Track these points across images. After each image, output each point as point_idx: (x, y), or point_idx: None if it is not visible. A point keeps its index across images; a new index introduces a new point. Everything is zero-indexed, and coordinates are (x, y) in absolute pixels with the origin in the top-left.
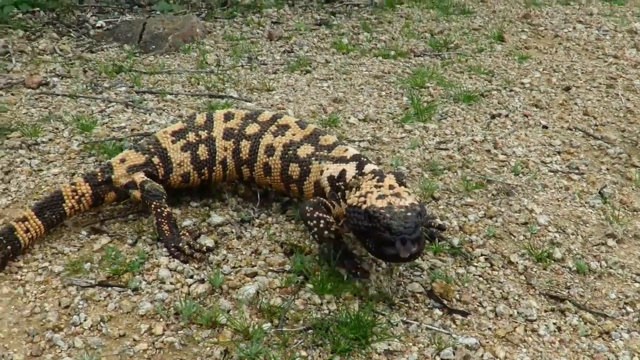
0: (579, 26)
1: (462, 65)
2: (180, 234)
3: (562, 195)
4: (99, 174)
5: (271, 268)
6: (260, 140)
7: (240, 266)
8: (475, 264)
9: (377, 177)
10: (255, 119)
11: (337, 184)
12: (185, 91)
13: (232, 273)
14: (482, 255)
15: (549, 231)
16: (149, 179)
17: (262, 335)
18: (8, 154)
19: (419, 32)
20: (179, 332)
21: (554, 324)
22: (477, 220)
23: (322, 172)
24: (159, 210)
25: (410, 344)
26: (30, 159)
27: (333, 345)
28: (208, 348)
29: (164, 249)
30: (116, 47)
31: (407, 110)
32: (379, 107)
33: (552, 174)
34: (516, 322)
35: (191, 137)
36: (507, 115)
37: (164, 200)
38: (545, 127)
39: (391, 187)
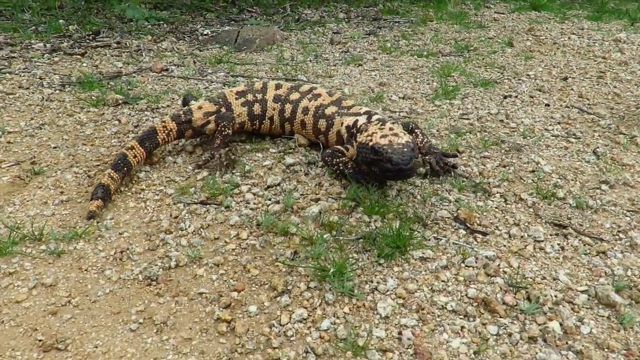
0: (573, 37)
1: (480, 62)
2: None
3: (562, 153)
4: (182, 115)
5: (331, 196)
6: (300, 103)
7: (307, 194)
8: (492, 199)
9: (380, 122)
10: (297, 89)
11: (352, 130)
12: (267, 76)
13: (300, 198)
14: (497, 193)
15: (552, 177)
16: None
17: (323, 241)
18: (137, 114)
19: (446, 40)
20: (259, 237)
21: (558, 244)
22: (493, 168)
23: (342, 124)
24: (222, 128)
25: (440, 254)
26: (153, 118)
27: (379, 251)
28: (281, 250)
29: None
30: (217, 48)
31: (436, 91)
32: (414, 89)
33: (553, 137)
34: (526, 242)
35: (249, 97)
36: (516, 96)
37: (230, 124)
38: (547, 105)
39: (391, 129)
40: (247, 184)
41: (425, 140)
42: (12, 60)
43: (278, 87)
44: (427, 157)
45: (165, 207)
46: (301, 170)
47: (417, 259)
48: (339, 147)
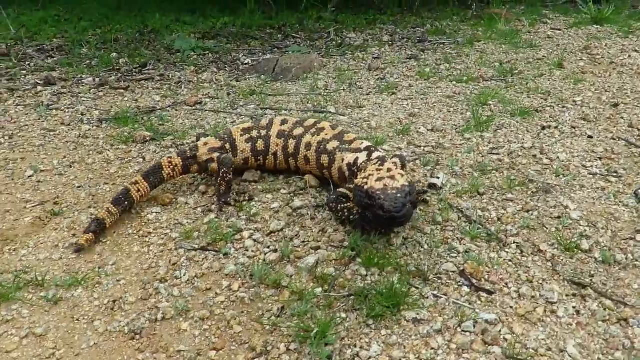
0: (634, 54)
1: (523, 87)
2: (233, 195)
3: (597, 195)
4: (188, 151)
5: (332, 244)
6: (302, 139)
7: (308, 241)
8: (507, 250)
9: (379, 162)
10: (302, 124)
11: (352, 169)
12: (296, 108)
13: (300, 246)
14: (514, 242)
15: (580, 225)
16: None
17: (313, 297)
18: (162, 151)
19: (490, 62)
20: (250, 289)
21: (574, 307)
22: (514, 213)
23: (343, 160)
24: (223, 174)
25: (437, 315)
26: None
27: (368, 311)
28: (270, 304)
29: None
30: (255, 77)
31: (468, 123)
32: (445, 120)
33: (590, 176)
34: (537, 303)
35: (254, 133)
36: (556, 127)
37: (231, 169)
38: (590, 137)
39: (389, 170)
40: (250, 229)
41: None
42: (61, 96)
43: (284, 122)
44: None
45: (167, 252)
46: (308, 215)
47: (410, 320)
48: (343, 190)
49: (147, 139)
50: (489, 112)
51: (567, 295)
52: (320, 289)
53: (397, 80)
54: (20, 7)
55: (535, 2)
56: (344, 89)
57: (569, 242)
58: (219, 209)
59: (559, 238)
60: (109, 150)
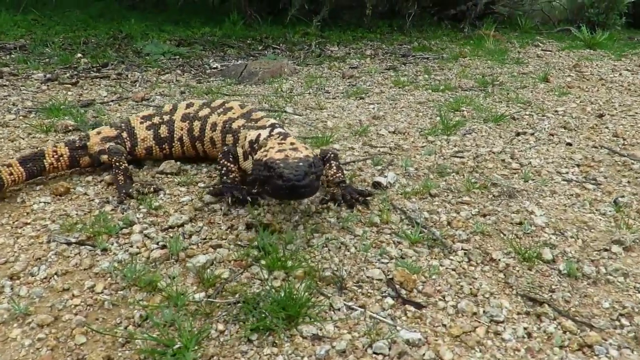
0: (625, 73)
1: (502, 97)
2: (135, 186)
3: (570, 202)
4: (78, 140)
5: (239, 243)
6: (208, 119)
7: (210, 238)
8: (451, 257)
9: (282, 137)
10: (209, 105)
11: (254, 145)
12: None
13: (198, 243)
14: (462, 249)
15: (544, 232)
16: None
17: (188, 303)
18: None
19: (472, 75)
20: (118, 292)
21: (525, 329)
22: (468, 218)
23: (246, 138)
24: (117, 164)
25: (345, 331)
26: None
27: (255, 322)
28: (134, 311)
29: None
30: (220, 80)
31: (435, 127)
32: (411, 124)
33: (565, 182)
34: (478, 322)
35: (156, 120)
36: (532, 134)
37: (123, 157)
38: (569, 144)
39: (292, 144)
40: (144, 223)
41: (338, 174)
42: (1, 89)
43: (189, 105)
44: (332, 189)
45: (36, 245)
46: (221, 210)
47: (308, 336)
48: (240, 150)
49: (70, 128)
50: (461, 117)
51: (518, 314)
52: (202, 294)
53: (369, 87)
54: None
55: (529, 29)
56: (309, 93)
57: (528, 251)
58: (119, 201)
59: (517, 246)
60: (23, 139)
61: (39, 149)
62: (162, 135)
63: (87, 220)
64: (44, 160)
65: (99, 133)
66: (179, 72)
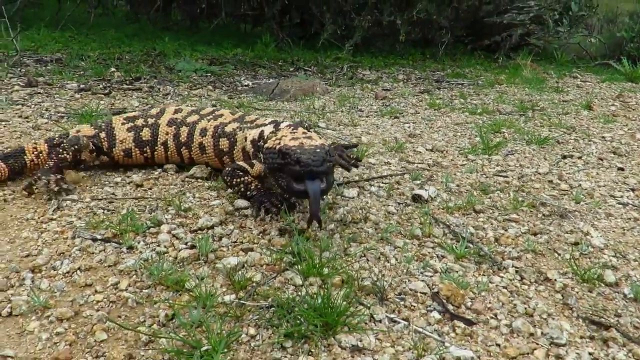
0: None
1: (544, 121)
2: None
3: (629, 225)
4: (57, 138)
5: (271, 248)
6: (197, 125)
7: (241, 241)
8: (501, 274)
9: (292, 127)
10: (198, 112)
11: (259, 144)
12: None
13: (229, 246)
14: (513, 267)
15: (604, 254)
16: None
17: (213, 304)
18: None
19: (510, 100)
20: (143, 290)
21: (590, 354)
22: (517, 235)
23: (246, 139)
24: (62, 150)
25: (388, 345)
26: None
27: (289, 328)
28: (159, 310)
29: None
30: (251, 97)
31: (475, 146)
32: (449, 143)
33: (620, 206)
34: (537, 344)
35: (139, 122)
36: (580, 157)
37: (73, 148)
38: (621, 169)
39: (304, 133)
40: (173, 224)
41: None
42: (35, 95)
43: (177, 111)
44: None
45: (60, 241)
46: (252, 217)
47: (347, 347)
48: (241, 164)
49: None
50: (502, 138)
51: (581, 337)
52: (232, 296)
53: (403, 107)
54: (36, 29)
55: (566, 62)
56: (342, 111)
57: (588, 272)
58: (34, 184)
59: (574, 266)
60: None
61: (20, 146)
62: (143, 138)
63: (114, 219)
64: (25, 157)
65: (78, 131)
66: (210, 88)
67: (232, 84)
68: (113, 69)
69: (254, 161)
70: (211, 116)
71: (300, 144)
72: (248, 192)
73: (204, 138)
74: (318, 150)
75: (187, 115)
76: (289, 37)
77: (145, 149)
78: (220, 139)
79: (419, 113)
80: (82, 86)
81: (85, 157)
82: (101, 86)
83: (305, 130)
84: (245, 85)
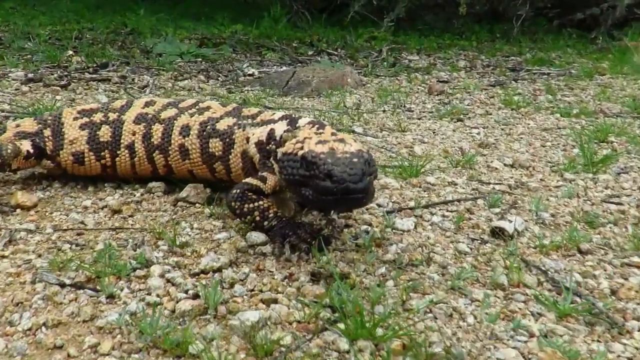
0: None
1: None
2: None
3: None
4: None
5: (302, 299)
6: (175, 122)
7: (261, 290)
8: (625, 340)
9: (317, 126)
10: (176, 105)
11: (268, 147)
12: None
13: (244, 295)
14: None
15: None
16: (21, 145)
17: None
18: None
19: (618, 98)
20: (131, 354)
21: None
22: None
23: (248, 139)
24: None
25: None
26: None
27: None
28: None
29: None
30: (257, 90)
31: (573, 161)
32: (536, 156)
33: None
34: None
35: (97, 117)
36: None
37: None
38: None
39: (334, 134)
40: (166, 264)
41: None
42: None
43: (149, 104)
44: None
45: (16, 286)
46: (272, 254)
47: None
48: (252, 181)
49: None
50: (610, 150)
51: None
52: None
53: (468, 106)
54: None
55: None
56: (383, 110)
57: None
58: None
59: None
60: None
61: None
62: (102, 139)
63: (86, 257)
64: None
65: (17, 126)
66: (202, 78)
67: (231, 73)
68: (70, 52)
69: (265, 174)
70: (194, 109)
71: (331, 149)
72: (266, 223)
73: (186, 139)
74: (355, 159)
75: (162, 110)
76: (305, 8)
77: (103, 153)
78: (211, 140)
79: (490, 114)
80: (30, 75)
81: (18, 164)
82: (56, 75)
83: (335, 131)
84: (250, 75)
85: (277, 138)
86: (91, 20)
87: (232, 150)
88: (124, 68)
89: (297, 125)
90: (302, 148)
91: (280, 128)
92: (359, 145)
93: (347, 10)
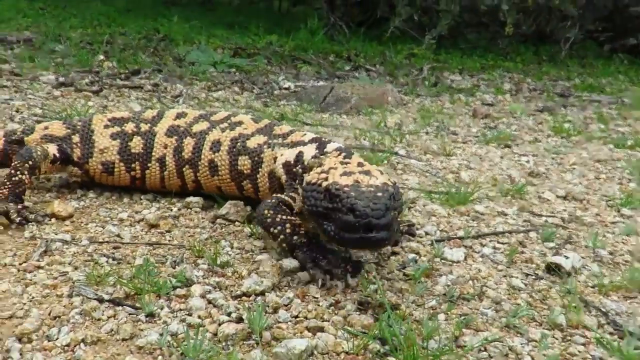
0: None
1: None
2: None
3: None
4: (19, 132)
5: (349, 328)
6: (207, 136)
7: (305, 317)
8: None
9: (344, 154)
10: (208, 118)
11: (295, 169)
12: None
13: (289, 321)
14: None
15: None
16: (48, 148)
17: None
18: None
19: None
20: None
21: None
22: None
23: (275, 159)
24: (14, 171)
25: None
26: None
27: None
28: None
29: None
30: (294, 105)
31: (630, 195)
32: (590, 188)
33: None
34: None
35: (129, 127)
36: None
37: (27, 165)
38: None
39: (360, 164)
40: (207, 284)
41: None
42: (1, 90)
43: (180, 116)
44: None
45: (53, 299)
46: (318, 282)
47: None
48: (284, 197)
49: None
50: None
51: None
52: None
53: (515, 132)
54: None
55: None
56: (426, 132)
57: None
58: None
59: None
60: None
61: None
62: (133, 150)
63: (124, 272)
64: None
65: (45, 128)
66: (236, 90)
67: (266, 86)
68: (102, 57)
69: (293, 194)
70: (226, 124)
71: (356, 182)
72: (295, 237)
73: (216, 154)
74: (380, 194)
75: (194, 122)
76: (343, 21)
77: (133, 165)
78: (240, 157)
79: (539, 141)
80: (61, 79)
81: (44, 168)
82: (87, 80)
83: (363, 162)
84: (285, 89)
85: (304, 162)
86: (122, 24)
87: (259, 169)
88: (156, 75)
89: (325, 150)
90: (326, 179)
91: (308, 152)
92: (385, 178)
93: (387, 25)
